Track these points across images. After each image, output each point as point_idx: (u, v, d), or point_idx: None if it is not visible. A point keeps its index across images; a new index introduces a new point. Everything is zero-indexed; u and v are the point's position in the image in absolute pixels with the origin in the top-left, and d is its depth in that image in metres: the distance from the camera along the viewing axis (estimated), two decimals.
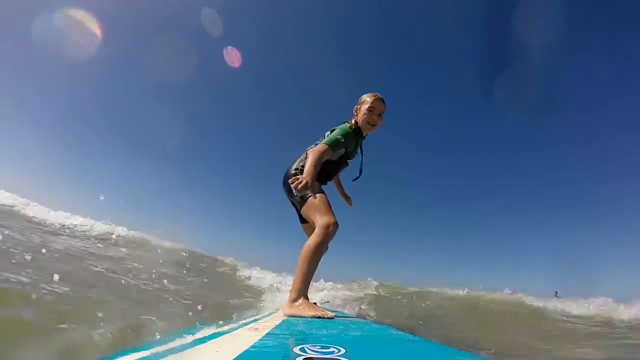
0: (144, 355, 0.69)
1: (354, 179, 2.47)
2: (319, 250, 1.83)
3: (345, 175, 2.63)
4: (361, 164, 2.42)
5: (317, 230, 1.87)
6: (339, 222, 1.90)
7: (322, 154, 2.01)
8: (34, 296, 1.94)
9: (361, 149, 2.39)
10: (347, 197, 2.71)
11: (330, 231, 1.86)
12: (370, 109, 2.22)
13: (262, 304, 3.83)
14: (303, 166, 2.04)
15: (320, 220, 1.89)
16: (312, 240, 1.84)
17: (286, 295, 1.91)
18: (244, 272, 6.52)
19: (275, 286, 5.41)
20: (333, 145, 2.08)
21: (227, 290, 4.69)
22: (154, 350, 0.74)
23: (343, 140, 2.12)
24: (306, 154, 2.15)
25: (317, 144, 2.14)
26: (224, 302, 3.73)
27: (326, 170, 2.21)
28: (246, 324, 1.30)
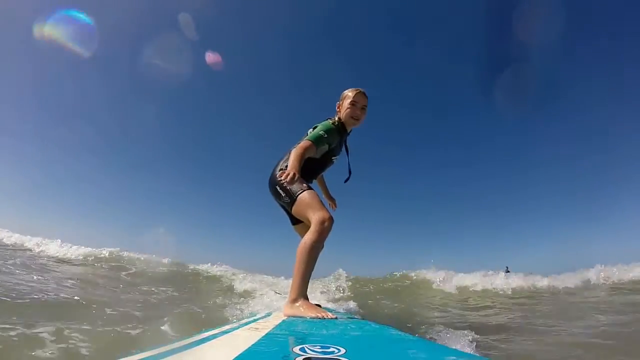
0: (144, 356, 0.69)
1: (345, 180, 2.44)
2: (316, 247, 1.79)
3: (332, 175, 2.60)
4: (349, 164, 2.40)
5: (312, 228, 1.83)
6: (333, 217, 1.85)
7: (305, 149, 2.00)
8: None
9: (346, 146, 2.36)
10: (332, 199, 2.69)
11: (326, 226, 1.81)
12: (352, 103, 2.21)
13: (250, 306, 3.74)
14: (287, 167, 1.99)
15: (314, 217, 1.84)
16: (308, 237, 1.79)
17: (276, 297, 1.91)
18: (234, 279, 6.49)
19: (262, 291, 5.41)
20: (316, 141, 2.06)
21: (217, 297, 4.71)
22: (154, 352, 0.73)
23: (326, 135, 2.11)
24: (289, 153, 2.09)
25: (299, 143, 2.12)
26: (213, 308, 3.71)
27: (311, 168, 2.20)
28: (246, 324, 1.29)
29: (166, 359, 0.64)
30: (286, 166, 2.01)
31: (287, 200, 2.01)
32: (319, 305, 2.01)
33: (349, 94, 2.24)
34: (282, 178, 1.84)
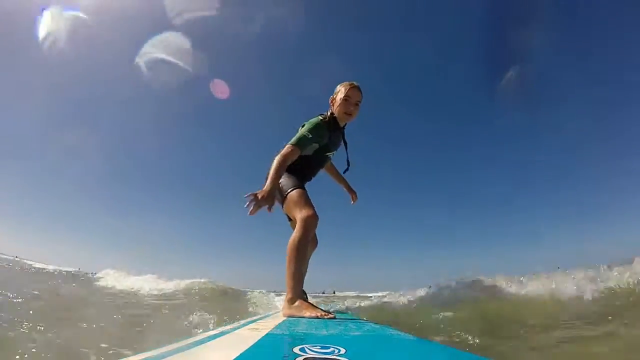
0: (144, 356, 0.69)
1: (344, 171, 2.48)
2: (301, 245, 1.78)
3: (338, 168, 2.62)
4: (347, 156, 2.38)
5: (297, 225, 1.85)
6: (318, 215, 1.86)
7: (286, 157, 1.92)
8: None
9: (344, 140, 2.32)
10: (352, 192, 2.67)
11: (308, 224, 1.82)
12: (345, 98, 2.15)
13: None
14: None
15: (299, 215, 1.87)
16: (293, 236, 1.81)
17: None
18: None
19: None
20: (299, 144, 2.00)
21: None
22: (154, 352, 0.73)
23: (311, 135, 2.04)
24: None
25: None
26: None
27: (305, 166, 2.17)
28: (246, 324, 1.29)
29: (166, 359, 0.64)
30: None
31: (279, 198, 2.04)
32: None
33: (342, 88, 2.17)
34: (248, 205, 1.65)
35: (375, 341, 1.03)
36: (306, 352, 0.67)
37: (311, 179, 2.32)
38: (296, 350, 0.68)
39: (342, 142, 2.34)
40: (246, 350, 0.71)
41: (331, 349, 0.71)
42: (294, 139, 2.01)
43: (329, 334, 1.06)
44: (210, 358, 0.71)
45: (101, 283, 8.77)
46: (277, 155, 1.95)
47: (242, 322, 1.42)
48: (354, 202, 2.69)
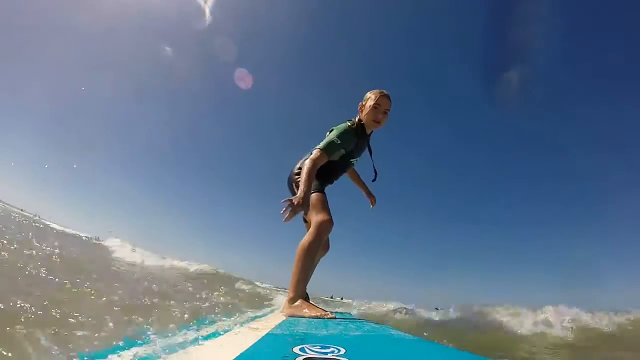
0: (145, 355, 0.69)
1: (373, 180, 2.45)
2: (312, 248, 1.82)
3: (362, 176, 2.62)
4: (373, 164, 2.39)
5: (311, 229, 1.88)
6: (333, 221, 1.90)
7: (315, 162, 1.96)
8: None
9: (369, 147, 2.34)
10: (371, 196, 2.64)
11: (322, 229, 1.86)
12: (375, 106, 2.15)
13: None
14: (298, 174, 2.04)
15: (314, 219, 1.90)
16: (305, 238, 1.85)
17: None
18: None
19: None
20: (328, 149, 2.03)
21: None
22: (154, 351, 0.74)
23: (339, 142, 2.07)
24: (311, 153, 2.11)
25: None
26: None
27: (329, 171, 2.16)
28: (246, 323, 1.29)
29: (167, 358, 0.64)
30: (299, 170, 2.06)
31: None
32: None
33: (372, 95, 2.18)
34: (284, 212, 1.71)
35: (375, 341, 1.03)
36: (306, 352, 0.67)
37: (333, 182, 2.32)
38: (296, 350, 0.68)
39: (367, 149, 2.36)
40: (246, 350, 0.71)
41: (331, 349, 0.71)
42: (323, 144, 2.04)
43: (329, 334, 1.06)
44: (211, 358, 0.71)
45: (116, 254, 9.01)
46: (306, 159, 2.01)
47: (242, 322, 1.43)
48: (372, 206, 2.68)
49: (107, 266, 5.82)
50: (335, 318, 1.58)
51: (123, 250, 9.08)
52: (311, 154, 2.05)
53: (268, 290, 8.72)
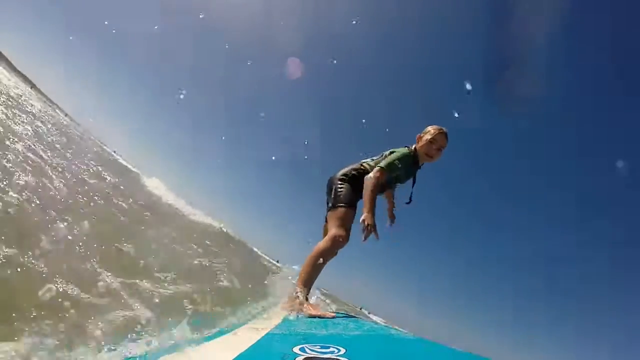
0: (146, 355, 0.69)
1: (407, 203, 2.47)
2: (324, 255, 1.92)
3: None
4: (412, 192, 2.41)
5: (326, 238, 1.98)
6: (349, 238, 1.99)
7: (377, 180, 2.03)
8: None
9: (414, 178, 2.38)
10: (392, 216, 2.55)
11: (337, 243, 1.96)
12: (431, 141, 2.21)
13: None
14: (353, 175, 2.17)
15: (333, 230, 1.99)
16: (321, 244, 1.95)
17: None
18: None
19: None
20: (389, 169, 2.10)
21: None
22: (154, 351, 0.73)
23: (400, 165, 2.14)
24: (360, 165, 2.24)
25: (374, 160, 2.23)
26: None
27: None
28: (246, 323, 1.29)
29: (167, 358, 0.64)
30: (352, 175, 2.18)
31: (330, 204, 2.15)
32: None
33: (432, 130, 2.24)
34: (364, 234, 1.91)
35: (375, 341, 1.03)
36: (306, 352, 0.67)
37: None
38: (296, 350, 0.68)
39: (412, 178, 2.39)
40: (246, 350, 0.71)
41: (331, 348, 0.71)
42: (385, 164, 2.11)
43: (329, 333, 1.06)
44: (211, 358, 0.71)
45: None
46: (354, 170, 2.18)
47: (242, 321, 1.42)
48: (388, 224, 2.58)
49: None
50: (334, 317, 1.58)
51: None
52: (362, 167, 2.20)
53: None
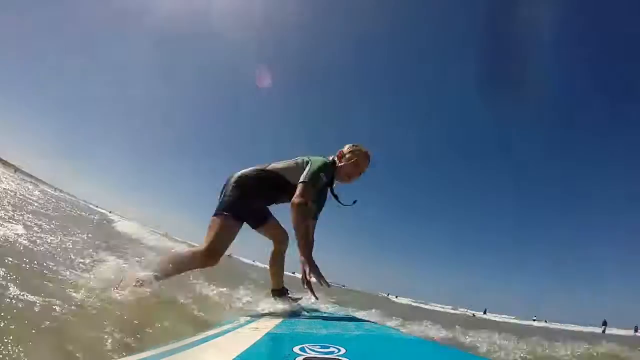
0: (144, 356, 0.69)
1: (345, 204, 2.06)
2: (184, 268, 1.80)
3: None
4: (324, 200, 2.12)
5: (194, 250, 1.80)
6: (215, 259, 1.75)
7: (307, 204, 1.75)
8: None
9: (333, 194, 2.06)
10: (321, 280, 1.74)
11: (201, 262, 1.75)
12: (356, 163, 2.00)
13: None
14: (253, 178, 1.89)
15: (203, 246, 1.74)
16: (186, 255, 1.81)
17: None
18: None
19: None
20: (315, 180, 1.81)
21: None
22: (154, 352, 0.73)
23: (325, 179, 1.89)
24: (264, 168, 1.95)
25: (285, 165, 1.93)
26: None
27: (266, 188, 1.93)
28: (246, 323, 1.29)
29: (167, 358, 0.64)
30: (253, 176, 1.90)
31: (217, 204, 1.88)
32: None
33: (356, 151, 2.02)
34: (310, 292, 1.75)
35: (375, 341, 1.03)
36: (306, 352, 0.67)
37: (262, 201, 2.03)
38: (296, 350, 0.68)
39: (329, 193, 2.11)
40: (246, 350, 0.71)
41: (331, 348, 0.71)
42: (308, 175, 1.81)
43: (329, 333, 1.06)
44: (211, 358, 0.71)
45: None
46: (295, 204, 1.73)
47: (242, 322, 1.42)
48: (314, 298, 2.06)
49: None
50: (334, 317, 1.58)
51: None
52: (265, 171, 1.92)
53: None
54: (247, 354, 0.67)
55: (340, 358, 0.64)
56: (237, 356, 0.64)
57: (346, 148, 2.04)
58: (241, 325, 1.21)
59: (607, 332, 20.64)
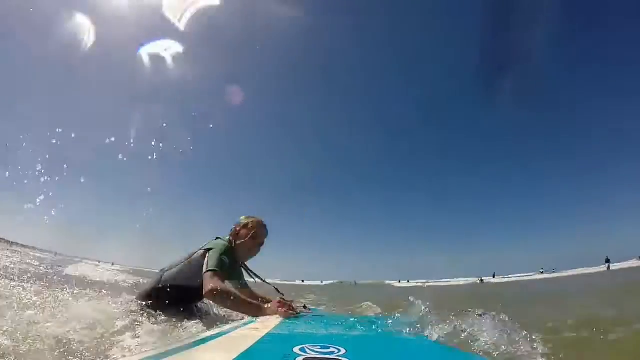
0: (144, 356, 0.69)
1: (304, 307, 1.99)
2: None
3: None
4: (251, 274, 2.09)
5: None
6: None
7: (222, 286, 1.68)
8: None
9: (248, 271, 2.09)
10: (291, 309, 1.63)
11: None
12: (253, 236, 2.00)
13: None
14: (156, 296, 1.86)
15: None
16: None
17: None
18: None
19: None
20: (219, 266, 1.76)
21: None
22: (153, 352, 0.73)
23: (227, 260, 1.84)
24: (160, 278, 1.93)
25: (184, 268, 1.88)
26: None
27: (175, 303, 1.84)
28: (246, 324, 1.29)
29: (166, 359, 0.64)
30: (164, 286, 1.85)
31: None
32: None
33: (250, 224, 2.02)
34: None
35: (375, 341, 1.03)
36: (306, 352, 0.67)
37: (179, 307, 1.90)
38: (296, 350, 0.68)
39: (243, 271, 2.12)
40: (246, 350, 0.71)
41: (331, 349, 0.71)
42: (213, 265, 1.75)
43: (329, 334, 1.06)
44: (211, 358, 0.71)
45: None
46: (210, 294, 1.63)
47: (242, 322, 1.42)
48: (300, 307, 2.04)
49: None
50: (334, 316, 1.58)
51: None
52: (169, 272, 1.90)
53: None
54: (247, 354, 0.67)
55: (340, 358, 0.64)
56: (237, 356, 0.64)
57: (240, 224, 2.03)
58: (241, 326, 1.21)
59: (611, 268, 20.85)
